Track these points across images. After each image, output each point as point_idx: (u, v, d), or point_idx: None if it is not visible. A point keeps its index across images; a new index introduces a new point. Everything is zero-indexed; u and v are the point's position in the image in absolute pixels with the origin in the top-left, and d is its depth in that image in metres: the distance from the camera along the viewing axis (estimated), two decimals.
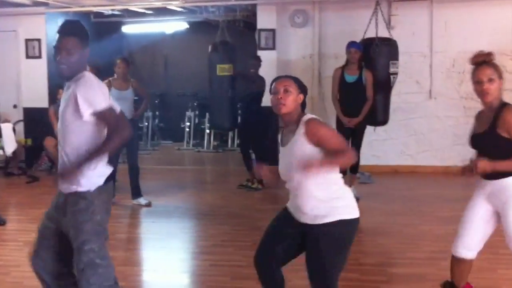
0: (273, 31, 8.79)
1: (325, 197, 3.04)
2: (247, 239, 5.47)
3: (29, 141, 9.35)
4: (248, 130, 7.77)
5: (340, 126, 6.78)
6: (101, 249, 3.09)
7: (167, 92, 12.41)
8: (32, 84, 9.34)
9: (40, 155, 9.03)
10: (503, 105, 3.31)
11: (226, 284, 4.40)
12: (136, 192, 6.77)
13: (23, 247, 5.59)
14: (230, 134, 11.33)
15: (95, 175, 3.08)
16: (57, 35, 3.05)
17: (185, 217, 6.58)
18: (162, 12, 10.19)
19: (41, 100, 9.10)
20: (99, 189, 3.10)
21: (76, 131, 3.07)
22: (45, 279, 3.24)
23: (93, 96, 3.04)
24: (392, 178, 8.25)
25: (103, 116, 3.06)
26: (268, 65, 8.66)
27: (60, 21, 9.58)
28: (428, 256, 4.88)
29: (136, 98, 6.99)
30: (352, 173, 6.93)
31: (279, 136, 3.17)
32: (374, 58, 7.11)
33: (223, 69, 7.84)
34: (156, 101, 12.08)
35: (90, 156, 3.01)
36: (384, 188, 7.61)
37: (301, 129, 2.97)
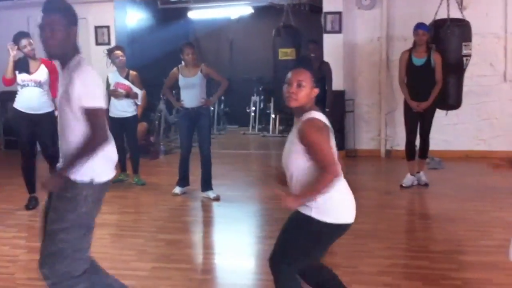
0: (339, 13, 8.63)
1: None
2: None
3: None
4: None
5: (408, 110, 6.62)
6: (77, 240, 2.98)
7: (233, 77, 12.37)
8: (102, 69, 9.54)
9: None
10: None
11: None
12: (208, 185, 6.53)
13: None
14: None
15: (93, 167, 2.96)
16: (41, 14, 2.93)
17: (251, 201, 6.59)
18: None
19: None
20: (94, 183, 2.99)
21: (72, 124, 2.96)
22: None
23: (92, 89, 2.94)
24: (464, 164, 7.99)
25: (91, 114, 2.91)
26: (335, 48, 8.56)
27: (128, 9, 9.94)
28: (500, 244, 4.67)
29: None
30: (421, 158, 6.76)
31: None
32: (446, 40, 6.85)
33: (285, 53, 7.78)
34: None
35: (72, 163, 2.92)
36: (455, 174, 7.38)
37: (299, 125, 2.96)
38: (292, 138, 3.01)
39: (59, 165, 3.09)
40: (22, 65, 5.97)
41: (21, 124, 6.02)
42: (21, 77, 5.96)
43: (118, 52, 7.01)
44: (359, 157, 8.62)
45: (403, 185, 6.71)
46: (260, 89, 11.85)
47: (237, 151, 9.93)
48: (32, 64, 6.01)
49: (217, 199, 6.43)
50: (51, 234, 2.98)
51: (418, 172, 6.78)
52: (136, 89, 7.06)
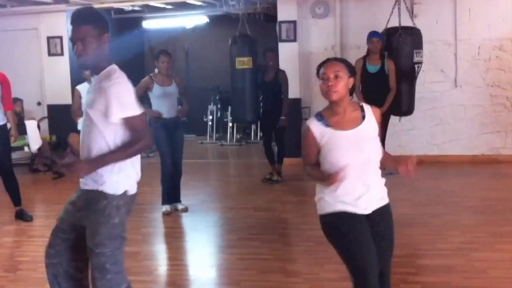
0: (294, 22, 8.73)
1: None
2: (273, 232, 5.47)
3: (54, 138, 9.43)
4: (269, 123, 7.71)
5: None
6: (113, 253, 2.97)
7: (189, 86, 12.30)
8: (55, 81, 9.43)
9: (64, 151, 9.10)
10: None
11: (253, 277, 4.39)
12: (178, 197, 6.42)
13: None
14: (253, 127, 11.30)
15: (122, 179, 2.97)
16: (71, 26, 2.89)
17: (210, 210, 6.58)
18: (182, 6, 10.17)
19: (64, 97, 9.16)
20: (124, 194, 2.98)
21: (102, 130, 2.93)
22: (56, 271, 3.11)
23: (128, 99, 2.95)
24: (418, 169, 8.06)
25: (133, 122, 2.93)
26: (290, 57, 8.64)
27: None
28: (457, 247, 4.82)
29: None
30: None
31: (322, 122, 2.92)
32: (398, 48, 7.02)
33: (242, 62, 7.80)
34: (178, 96, 12.09)
35: (107, 157, 2.90)
36: (409, 179, 7.50)
37: (369, 111, 2.96)
38: (366, 128, 2.94)
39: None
40: None
41: None
42: None
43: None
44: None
45: None
46: (217, 98, 11.84)
47: (195, 160, 9.88)
48: None
49: (185, 210, 6.34)
50: (89, 251, 2.97)
51: None
52: None
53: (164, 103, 6.22)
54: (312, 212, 6.03)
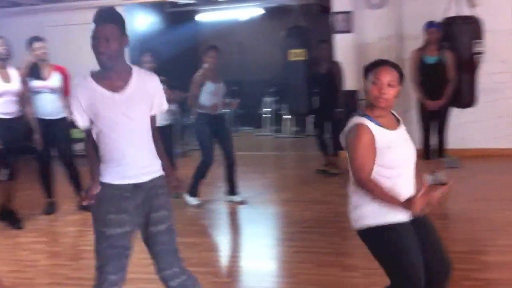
0: (349, 13, 8.62)
1: None
2: (331, 226, 5.44)
3: None
4: (323, 115, 7.66)
5: (422, 109, 6.60)
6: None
7: (244, 79, 12.44)
8: None
9: None
10: None
11: (310, 270, 4.38)
12: (235, 189, 6.46)
13: None
14: (310, 119, 11.25)
15: None
16: (93, 25, 2.83)
17: (267, 203, 6.58)
18: None
19: None
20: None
21: (147, 127, 3.01)
22: None
23: (163, 95, 3.07)
24: (480, 162, 7.93)
25: (155, 118, 3.08)
26: (345, 48, 8.53)
27: (136, 13, 9.97)
28: None
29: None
30: (438, 158, 6.73)
31: (374, 122, 2.84)
32: (456, 38, 6.82)
33: (296, 54, 7.77)
34: (234, 88, 12.17)
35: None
36: (472, 172, 7.31)
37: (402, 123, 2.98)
38: (405, 135, 2.96)
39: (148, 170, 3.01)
40: (33, 72, 5.99)
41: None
42: (34, 83, 5.98)
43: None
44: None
45: None
46: (273, 90, 11.83)
47: (251, 152, 9.92)
48: (44, 70, 6.03)
49: (242, 203, 6.37)
50: (170, 230, 3.05)
51: (435, 172, 6.74)
52: None
53: (214, 99, 6.24)
54: None
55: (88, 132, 2.93)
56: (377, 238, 2.85)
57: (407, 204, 2.73)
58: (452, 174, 7.06)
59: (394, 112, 3.02)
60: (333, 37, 8.66)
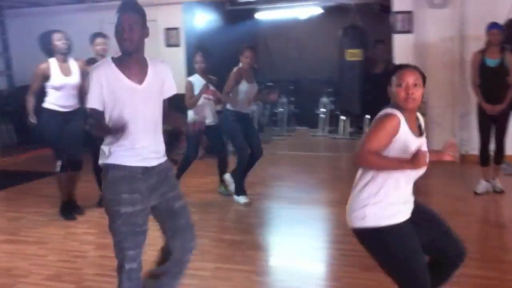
0: (409, 13, 8.42)
1: None
2: None
3: (169, 126, 9.75)
4: (374, 117, 7.49)
5: (482, 113, 6.36)
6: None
7: (301, 78, 12.39)
8: (172, 71, 9.71)
9: (179, 139, 9.39)
10: None
11: (354, 274, 4.30)
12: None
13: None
14: (367, 120, 11.08)
15: None
16: (117, 14, 3.00)
17: (316, 203, 6.52)
18: None
19: (179, 87, 9.41)
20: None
21: (159, 114, 3.21)
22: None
23: (172, 80, 3.31)
24: None
25: (167, 103, 3.32)
26: (405, 49, 8.34)
27: (196, 11, 10.07)
28: None
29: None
30: (496, 164, 6.48)
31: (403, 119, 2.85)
32: None
33: (353, 54, 7.67)
34: (291, 87, 12.14)
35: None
36: None
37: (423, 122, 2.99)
38: (425, 146, 2.97)
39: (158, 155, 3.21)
40: None
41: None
42: None
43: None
44: (431, 161, 8.34)
45: (477, 191, 6.45)
46: (330, 90, 11.71)
47: (305, 153, 9.86)
48: None
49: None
50: (184, 207, 3.28)
51: (493, 179, 6.50)
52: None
53: (245, 99, 6.27)
54: None
55: (101, 114, 3.05)
56: (379, 240, 2.88)
57: (412, 160, 2.74)
58: (511, 182, 6.80)
59: (421, 122, 3.02)
60: (392, 37, 8.50)
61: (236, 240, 5.16)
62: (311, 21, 12.00)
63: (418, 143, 2.89)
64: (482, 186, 6.46)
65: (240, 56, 6.27)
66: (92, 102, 3.02)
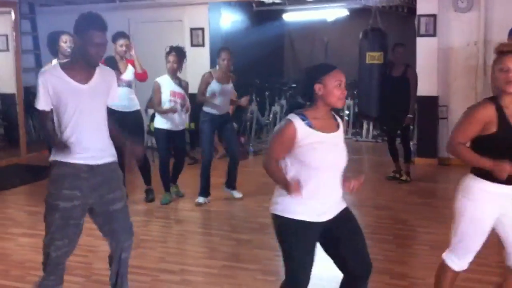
0: (434, 16, 8.35)
1: None
2: (388, 233, 5.35)
3: (193, 125, 9.85)
4: (393, 120, 7.43)
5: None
6: None
7: None
8: (197, 70, 9.81)
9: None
10: None
11: None
12: (234, 184, 6.67)
13: (173, 224, 5.98)
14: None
15: None
16: (102, 31, 3.25)
17: None
18: None
19: None
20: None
21: (104, 115, 3.40)
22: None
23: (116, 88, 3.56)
24: None
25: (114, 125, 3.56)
26: (428, 52, 8.29)
27: (222, 11, 10.14)
28: None
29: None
30: None
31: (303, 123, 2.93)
32: None
33: (373, 57, 7.64)
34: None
35: None
36: None
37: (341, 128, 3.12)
38: (339, 140, 3.11)
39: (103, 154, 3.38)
40: (111, 66, 6.22)
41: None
42: None
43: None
44: (452, 165, 8.23)
45: None
46: (355, 92, 11.66)
47: None
48: (121, 64, 6.29)
49: (241, 198, 6.58)
50: (126, 207, 3.50)
51: None
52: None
53: (221, 100, 6.31)
54: (434, 216, 5.83)
55: (47, 114, 3.27)
56: (278, 227, 3.04)
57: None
58: None
59: (337, 117, 3.13)
60: (417, 40, 8.44)
61: (243, 239, 5.22)
62: (337, 23, 11.98)
63: (326, 138, 2.97)
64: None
65: (217, 58, 6.35)
66: (41, 104, 3.24)
